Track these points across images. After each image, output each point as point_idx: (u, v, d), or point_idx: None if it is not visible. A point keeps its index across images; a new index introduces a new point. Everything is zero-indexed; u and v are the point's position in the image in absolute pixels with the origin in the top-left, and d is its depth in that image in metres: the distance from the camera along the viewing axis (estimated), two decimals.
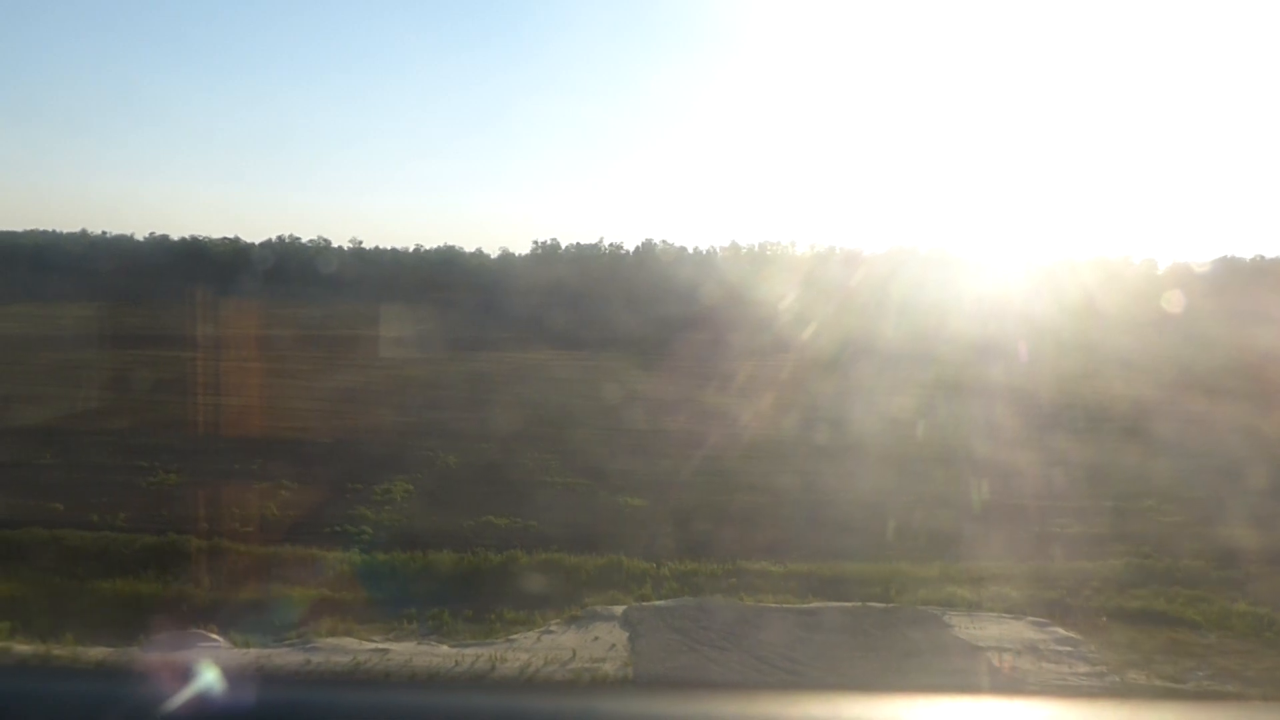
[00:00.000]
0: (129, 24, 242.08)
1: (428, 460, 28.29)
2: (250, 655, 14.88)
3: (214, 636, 15.68)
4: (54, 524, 20.89)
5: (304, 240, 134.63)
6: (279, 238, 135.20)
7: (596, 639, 15.94)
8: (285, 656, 15.07)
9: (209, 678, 2.66)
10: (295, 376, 43.30)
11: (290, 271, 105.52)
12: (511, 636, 16.06)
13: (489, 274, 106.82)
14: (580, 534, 21.57)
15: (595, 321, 66.13)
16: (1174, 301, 72.07)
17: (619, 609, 17.28)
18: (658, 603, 17.70)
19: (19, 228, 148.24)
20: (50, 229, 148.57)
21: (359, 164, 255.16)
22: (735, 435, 33.51)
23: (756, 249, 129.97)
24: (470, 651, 15.30)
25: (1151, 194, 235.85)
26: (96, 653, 13.89)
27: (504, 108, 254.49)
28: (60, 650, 14.39)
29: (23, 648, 14.52)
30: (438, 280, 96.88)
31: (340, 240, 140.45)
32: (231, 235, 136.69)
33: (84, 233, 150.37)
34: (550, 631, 16.37)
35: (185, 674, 2.71)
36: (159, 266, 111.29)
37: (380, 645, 15.40)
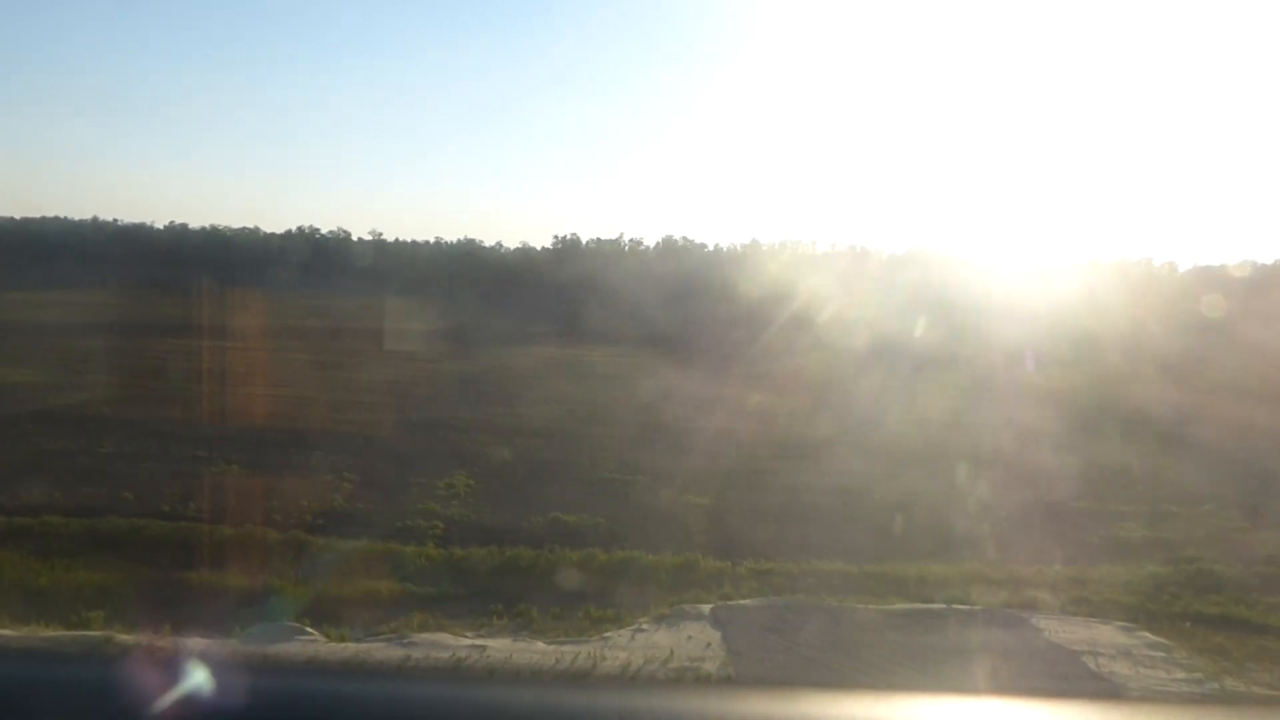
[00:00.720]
0: (146, 12, 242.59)
1: (480, 455, 28.28)
2: (348, 650, 14.86)
3: (309, 630, 15.69)
4: (128, 513, 20.94)
5: (324, 231, 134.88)
6: (299, 228, 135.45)
7: (690, 638, 15.87)
8: (384, 651, 15.01)
9: (198, 677, 2.63)
10: (334, 369, 43.37)
11: (311, 262, 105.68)
12: (605, 634, 15.98)
13: (510, 268, 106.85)
14: (645, 531, 21.58)
15: (624, 317, 66.09)
16: (1215, 306, 71.53)
17: (705, 608, 17.22)
18: (743, 602, 17.66)
19: (36, 214, 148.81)
20: (67, 216, 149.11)
21: (377, 156, 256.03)
22: (775, 433, 33.52)
23: (778, 246, 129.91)
24: (568, 649, 15.23)
25: (1176, 196, 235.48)
26: (196, 644, 13.87)
27: (520, 101, 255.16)
28: (162, 643, 14.36)
29: (124, 638, 14.52)
30: (460, 273, 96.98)
31: (360, 232, 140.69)
32: (251, 225, 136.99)
33: (96, 220, 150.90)
34: (642, 630, 16.29)
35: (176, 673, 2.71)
36: (181, 255, 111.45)
37: (476, 641, 15.32)
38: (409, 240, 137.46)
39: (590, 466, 27.25)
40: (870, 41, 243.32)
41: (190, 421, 30.72)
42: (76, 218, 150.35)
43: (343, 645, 15.39)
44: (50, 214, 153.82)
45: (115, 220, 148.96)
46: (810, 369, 48.83)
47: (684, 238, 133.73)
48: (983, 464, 28.29)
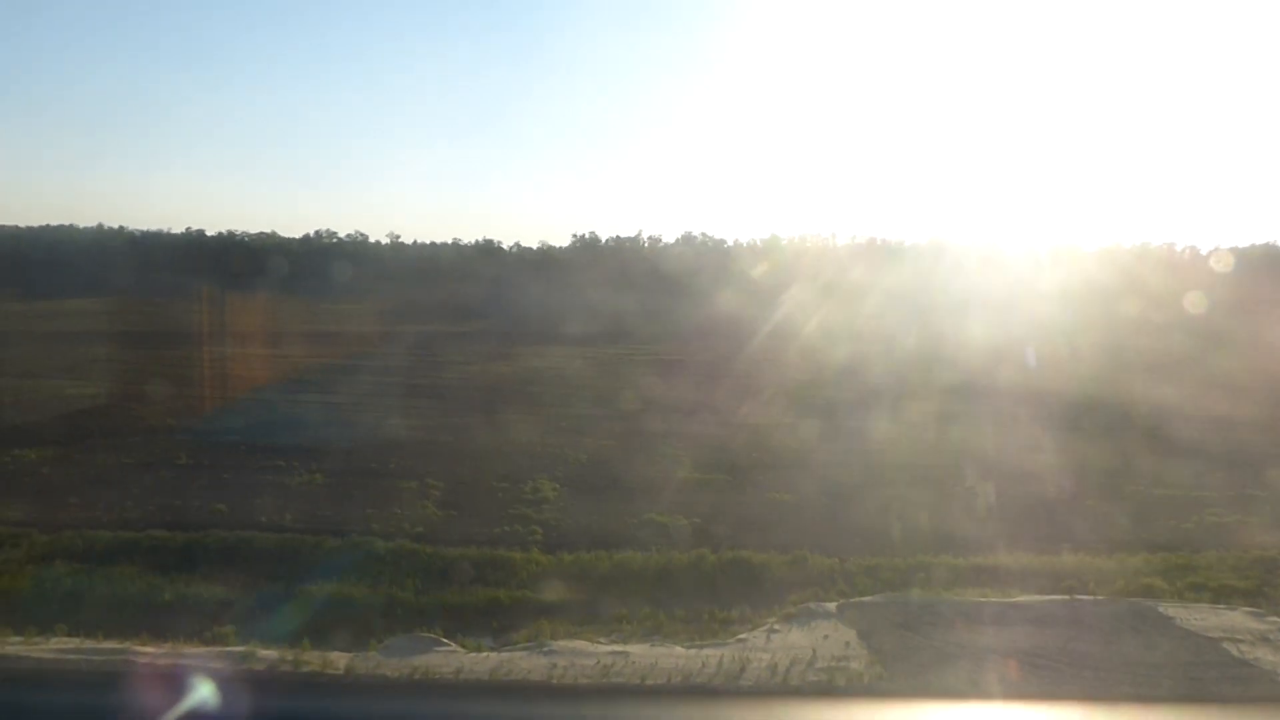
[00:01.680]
0: (155, 19, 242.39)
1: (557, 457, 28.19)
2: (491, 660, 14.75)
3: (445, 641, 15.59)
4: (226, 525, 20.85)
5: (341, 235, 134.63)
6: (316, 232, 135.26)
7: (826, 637, 15.76)
8: (528, 660, 14.90)
9: (204, 692, 2.84)
10: (385, 374, 43.30)
11: (330, 266, 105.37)
12: (739, 636, 15.88)
13: (530, 267, 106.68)
14: (739, 530, 21.51)
15: (652, 315, 66.03)
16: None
17: (831, 605, 17.10)
18: (865, 599, 17.52)
19: (50, 222, 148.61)
20: (74, 224, 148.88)
21: (394, 158, 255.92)
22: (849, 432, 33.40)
23: (798, 240, 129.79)
24: (709, 652, 15.11)
25: (1166, 182, 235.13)
26: (339, 658, 13.74)
27: (536, 101, 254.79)
28: (307, 656, 14.21)
29: (267, 653, 14.41)
30: (481, 274, 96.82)
31: (378, 234, 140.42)
32: (268, 230, 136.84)
33: (100, 227, 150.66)
34: (775, 630, 16.16)
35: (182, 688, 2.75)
36: (200, 262, 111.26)
37: (615, 648, 15.23)
38: (429, 242, 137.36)
39: (670, 466, 27.12)
40: (871, 38, 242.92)
41: (255, 429, 30.62)
42: (84, 225, 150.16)
43: (483, 655, 15.30)
44: (56, 222, 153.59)
45: (122, 227, 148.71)
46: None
47: (703, 234, 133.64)
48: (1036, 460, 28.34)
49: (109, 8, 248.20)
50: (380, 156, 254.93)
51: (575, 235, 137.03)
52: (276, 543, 19.55)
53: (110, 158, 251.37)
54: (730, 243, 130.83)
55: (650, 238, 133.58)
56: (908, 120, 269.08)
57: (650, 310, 64.49)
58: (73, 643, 13.75)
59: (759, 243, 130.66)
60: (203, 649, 14.66)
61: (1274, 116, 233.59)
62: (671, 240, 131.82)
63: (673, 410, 35.56)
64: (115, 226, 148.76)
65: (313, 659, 14.16)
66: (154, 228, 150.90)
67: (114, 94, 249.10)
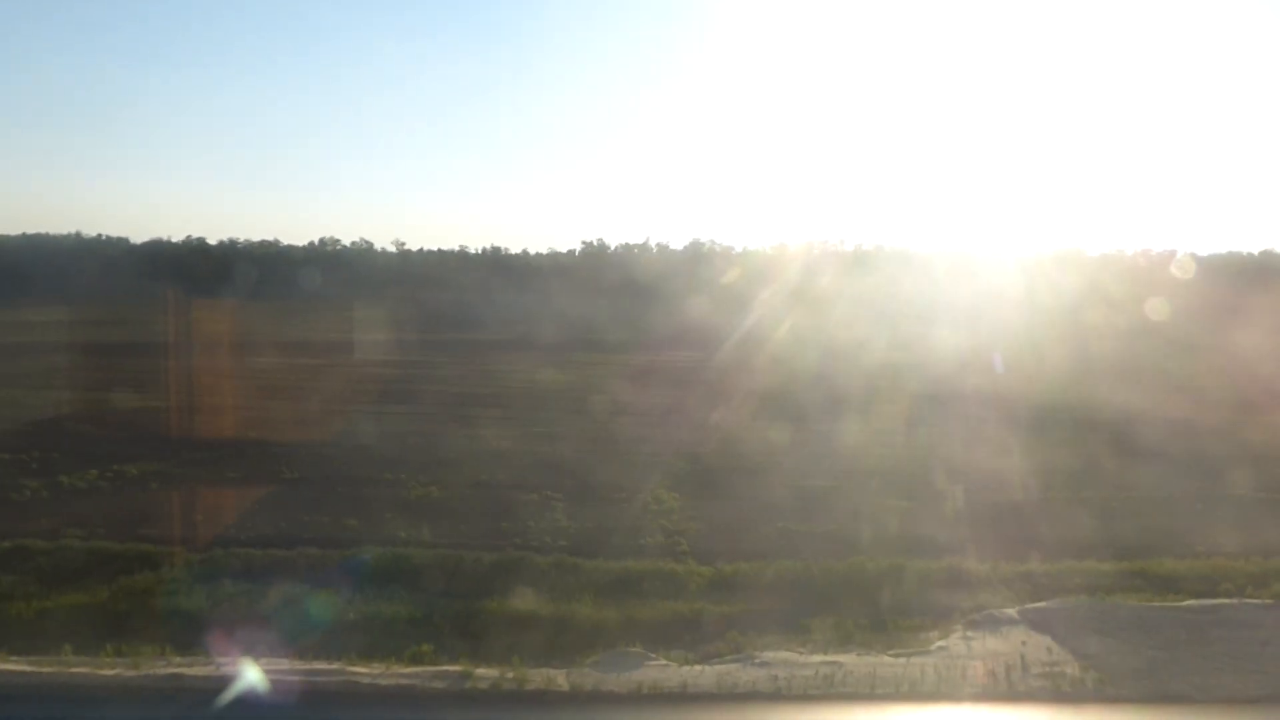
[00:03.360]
0: (157, 24, 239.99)
1: (657, 465, 28.05)
2: (709, 673, 14.66)
3: (651, 655, 15.48)
4: (366, 541, 20.62)
5: (345, 243, 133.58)
6: (321, 240, 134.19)
7: (1024, 643, 15.84)
8: (745, 673, 14.83)
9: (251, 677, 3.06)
10: (436, 382, 43.06)
11: (333, 274, 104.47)
12: (937, 644, 15.93)
13: (540, 273, 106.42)
14: (873, 538, 21.58)
15: (672, 321, 66.02)
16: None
17: (1011, 611, 17.21)
18: (1043, 605, 17.64)
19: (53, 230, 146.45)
20: (74, 232, 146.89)
21: (398, 165, 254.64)
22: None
23: (811, 247, 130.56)
24: (916, 660, 15.14)
25: (1130, 190, 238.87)
26: (556, 675, 13.58)
27: (542, 107, 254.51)
28: (528, 674, 14.05)
29: (486, 671, 14.25)
30: (491, 281, 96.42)
31: (383, 241, 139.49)
32: (271, 238, 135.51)
33: (78, 235, 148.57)
34: (969, 637, 16.24)
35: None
36: (206, 270, 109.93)
37: (827, 658, 15.25)
38: (435, 249, 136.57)
39: (790, 474, 26.90)
40: (841, 50, 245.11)
41: (348, 442, 30.31)
42: (65, 233, 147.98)
43: (698, 669, 15.20)
44: (46, 230, 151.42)
45: (99, 235, 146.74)
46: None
47: (712, 240, 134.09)
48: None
49: (94, 8, 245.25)
50: (385, 165, 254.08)
51: (585, 242, 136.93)
52: (433, 558, 19.33)
53: (111, 165, 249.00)
54: (739, 249, 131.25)
55: (659, 244, 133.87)
56: (878, 128, 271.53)
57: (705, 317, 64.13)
58: (283, 664, 13.56)
59: (769, 249, 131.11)
60: (417, 668, 14.49)
61: (1238, 124, 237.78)
62: (680, 246, 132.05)
63: (752, 421, 35.65)
64: (116, 236, 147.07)
65: (536, 677, 14.05)
66: (156, 236, 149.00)
67: (114, 100, 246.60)
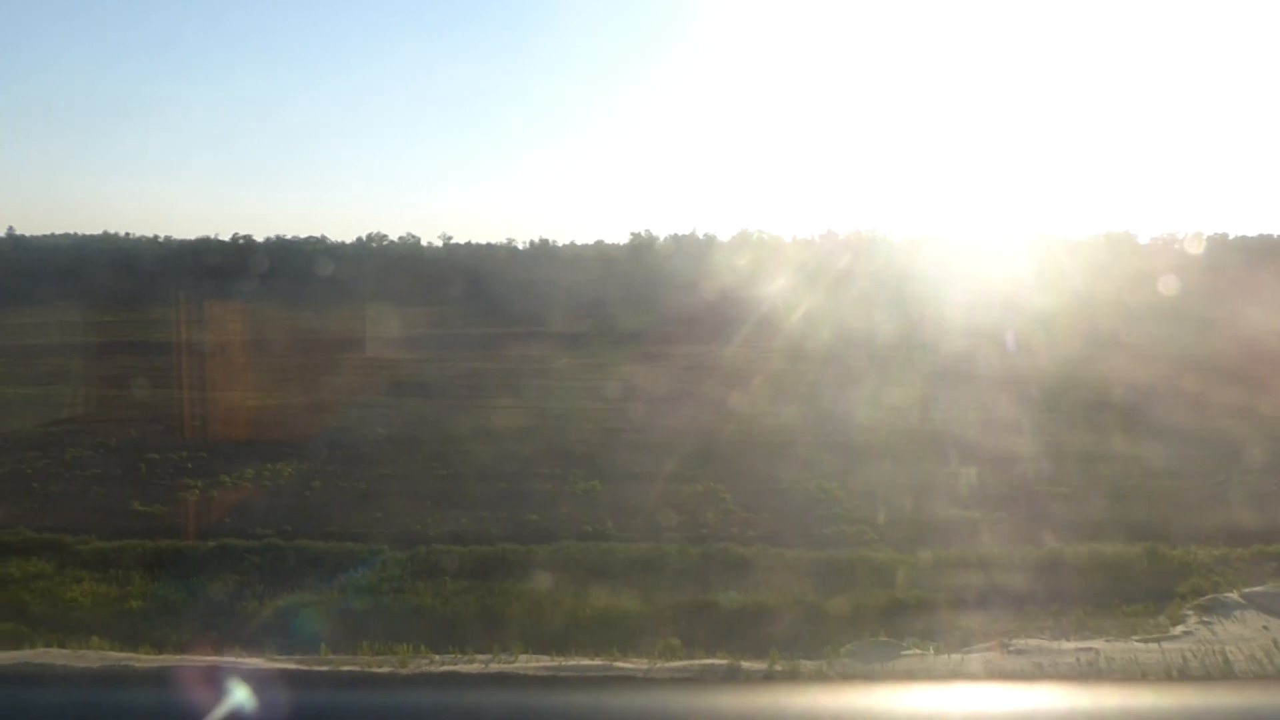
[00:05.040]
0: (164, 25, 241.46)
1: (811, 456, 27.80)
2: (970, 661, 14.69)
3: (902, 643, 15.54)
4: (551, 537, 20.70)
5: (392, 238, 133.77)
6: (369, 235, 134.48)
7: (1265, 627, 15.83)
8: (1009, 662, 14.92)
9: (239, 696, 2.87)
10: (562, 377, 43.51)
11: (380, 269, 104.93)
12: (1180, 629, 15.89)
13: (588, 265, 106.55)
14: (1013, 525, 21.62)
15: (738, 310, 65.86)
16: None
17: (1234, 595, 17.16)
18: (1260, 589, 17.59)
19: (87, 230, 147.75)
20: (120, 232, 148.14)
21: (445, 160, 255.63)
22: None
23: (856, 235, 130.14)
24: (1170, 646, 15.14)
25: (1137, 169, 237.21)
26: (806, 666, 13.64)
27: (578, 99, 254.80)
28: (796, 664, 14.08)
29: (754, 665, 14.26)
30: (541, 275, 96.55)
31: (429, 236, 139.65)
32: (318, 234, 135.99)
33: (127, 235, 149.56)
34: (1206, 622, 16.20)
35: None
36: (249, 267, 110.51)
37: (1082, 645, 15.22)
38: (484, 243, 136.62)
39: (933, 476, 26.52)
40: (838, 39, 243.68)
41: (487, 438, 30.37)
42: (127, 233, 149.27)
43: (956, 658, 15.24)
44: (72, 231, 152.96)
45: (172, 235, 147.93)
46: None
47: (760, 230, 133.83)
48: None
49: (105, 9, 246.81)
50: (431, 159, 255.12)
51: (633, 234, 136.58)
52: (639, 553, 19.45)
53: (158, 165, 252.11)
54: (787, 238, 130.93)
55: (705, 234, 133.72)
56: (888, 113, 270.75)
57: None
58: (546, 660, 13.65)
59: (817, 238, 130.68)
60: (678, 663, 14.59)
61: (1245, 110, 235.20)
62: (728, 237, 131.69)
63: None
64: (164, 236, 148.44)
65: (806, 668, 14.10)
66: (204, 235, 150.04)
67: (158, 100, 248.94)
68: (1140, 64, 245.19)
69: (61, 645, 12.96)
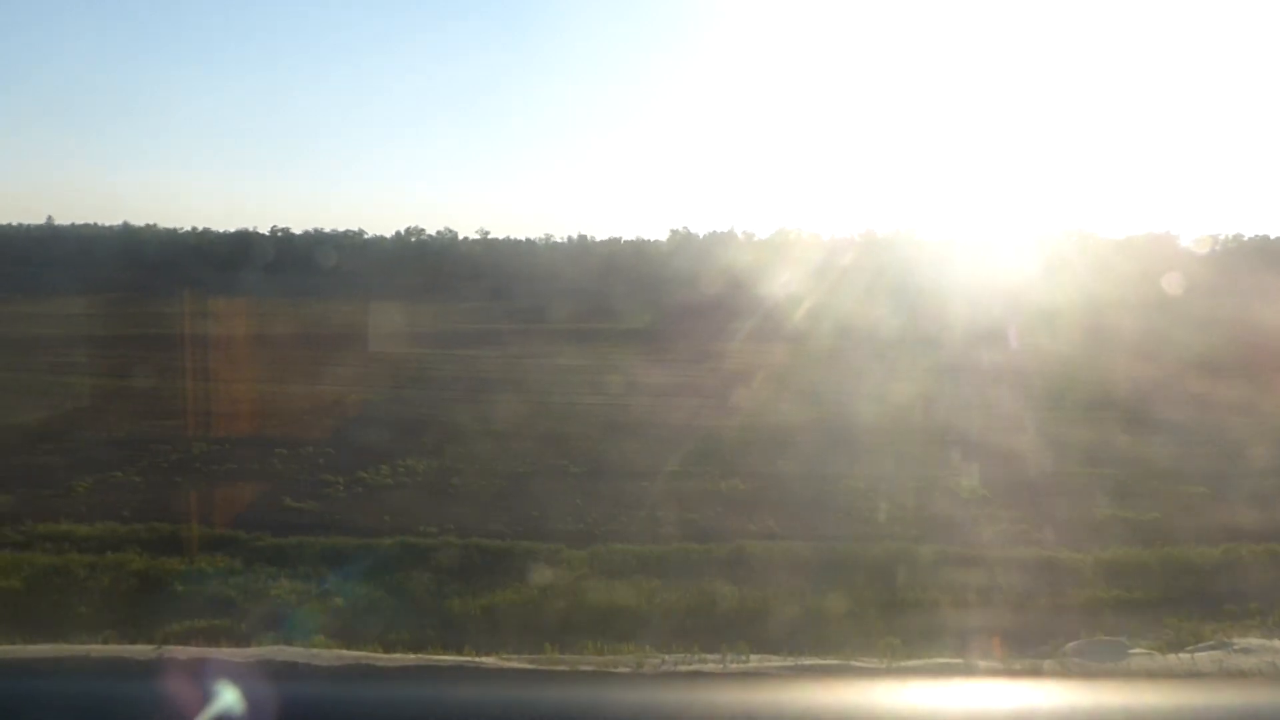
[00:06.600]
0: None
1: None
2: (1202, 660, 15.45)
3: (1129, 642, 16.24)
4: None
5: (430, 232, 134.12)
6: (408, 229, 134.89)
7: None
8: (1232, 659, 15.61)
9: (228, 698, 2.84)
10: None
11: (422, 263, 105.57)
12: None
13: (625, 260, 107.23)
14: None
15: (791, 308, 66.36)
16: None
17: None
18: None
19: (97, 220, 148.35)
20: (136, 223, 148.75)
21: (483, 154, 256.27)
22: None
23: (895, 234, 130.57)
24: None
25: (1149, 171, 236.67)
26: (1044, 664, 14.46)
27: (616, 95, 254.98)
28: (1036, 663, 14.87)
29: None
30: (579, 269, 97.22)
31: (466, 231, 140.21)
32: (356, 228, 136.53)
33: (155, 226, 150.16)
34: None
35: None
36: (285, 259, 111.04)
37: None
38: (523, 238, 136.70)
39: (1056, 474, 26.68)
40: (846, 39, 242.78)
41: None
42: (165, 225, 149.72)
43: (1186, 657, 16.07)
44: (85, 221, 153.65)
45: (202, 227, 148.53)
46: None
47: (798, 229, 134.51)
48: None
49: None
50: (469, 154, 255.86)
51: (673, 230, 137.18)
52: (779, 551, 20.25)
53: (190, 157, 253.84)
54: (826, 237, 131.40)
55: (744, 232, 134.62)
56: (893, 113, 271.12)
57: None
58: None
59: (857, 237, 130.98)
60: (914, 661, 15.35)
61: (1249, 111, 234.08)
62: (766, 235, 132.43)
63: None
64: (201, 226, 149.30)
65: (1019, 664, 14.93)
66: (243, 226, 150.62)
67: (192, 93, 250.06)
68: (1177, 69, 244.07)
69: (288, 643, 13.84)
